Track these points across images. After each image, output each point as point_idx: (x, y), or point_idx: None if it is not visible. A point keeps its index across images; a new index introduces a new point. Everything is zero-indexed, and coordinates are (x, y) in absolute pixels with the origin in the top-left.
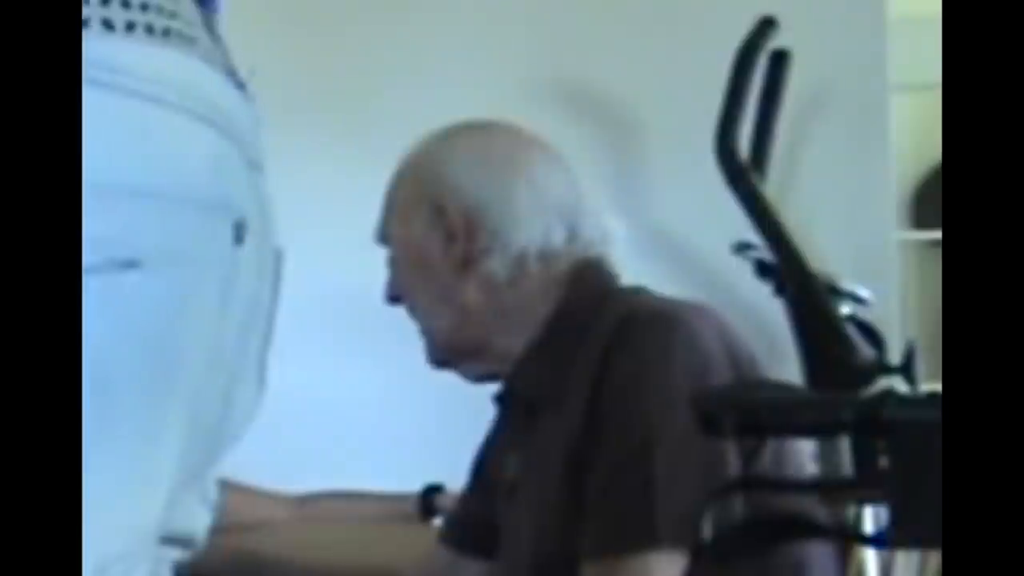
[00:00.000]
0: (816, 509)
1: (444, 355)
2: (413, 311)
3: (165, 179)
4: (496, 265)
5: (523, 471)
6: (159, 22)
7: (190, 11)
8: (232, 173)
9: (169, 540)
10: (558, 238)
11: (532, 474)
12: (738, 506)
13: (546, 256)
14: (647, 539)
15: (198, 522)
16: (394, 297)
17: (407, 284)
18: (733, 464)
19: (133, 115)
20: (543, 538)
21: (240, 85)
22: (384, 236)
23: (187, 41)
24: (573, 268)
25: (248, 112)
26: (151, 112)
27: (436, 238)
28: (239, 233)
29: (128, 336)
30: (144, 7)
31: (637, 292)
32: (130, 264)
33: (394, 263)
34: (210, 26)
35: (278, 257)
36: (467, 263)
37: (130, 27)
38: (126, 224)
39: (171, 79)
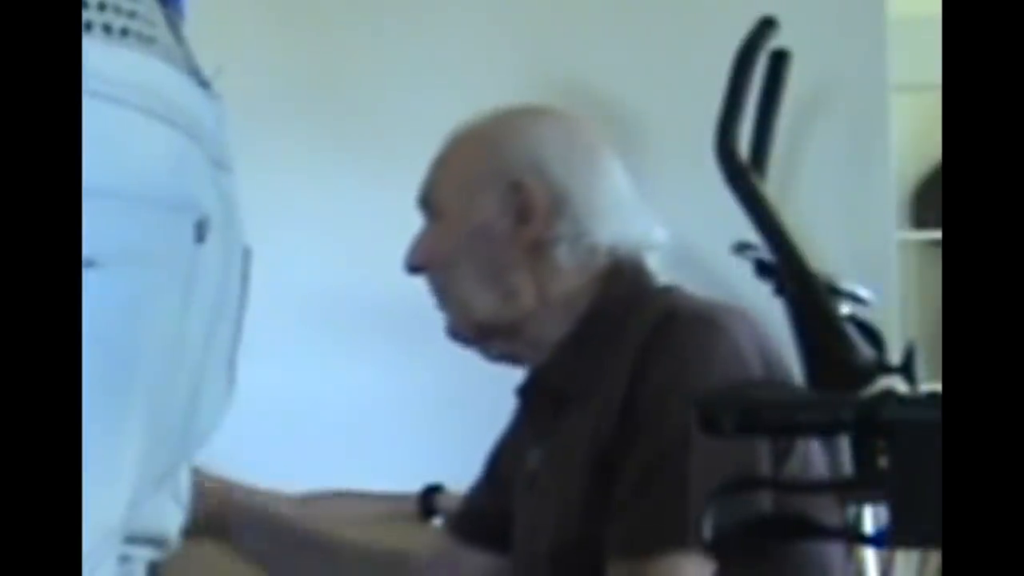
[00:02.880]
0: (820, 509)
1: (472, 332)
2: (443, 284)
3: (122, 178)
4: (565, 253)
5: (545, 464)
6: (117, 22)
7: (151, 10)
8: (193, 172)
9: (139, 539)
10: (633, 236)
11: (555, 467)
12: (764, 505)
13: (613, 252)
14: (678, 542)
15: (170, 521)
16: (416, 267)
17: (452, 255)
18: (765, 466)
19: (91, 115)
20: (563, 531)
21: (204, 84)
22: (427, 202)
23: (146, 41)
24: (611, 265)
25: (212, 111)
26: (109, 112)
27: (507, 216)
28: (201, 232)
29: (84, 335)
30: (101, 7)
31: (670, 290)
32: (86, 263)
33: (435, 232)
34: (173, 25)
35: (246, 256)
36: (537, 247)
37: (87, 27)
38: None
39: (129, 79)
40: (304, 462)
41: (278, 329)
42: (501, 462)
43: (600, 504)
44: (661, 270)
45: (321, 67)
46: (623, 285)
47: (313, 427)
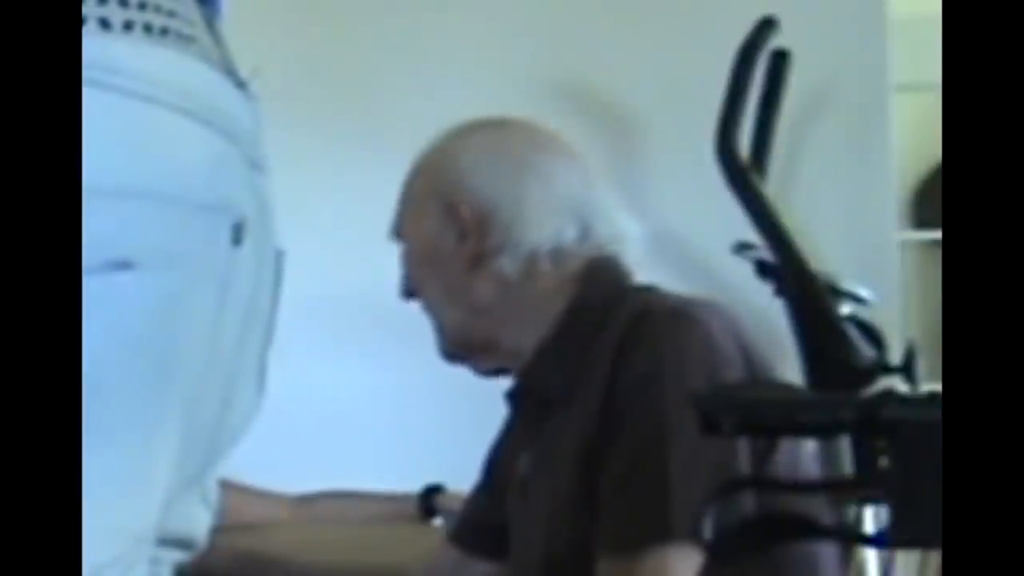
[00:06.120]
0: (818, 509)
1: (454, 350)
2: (426, 306)
3: (161, 180)
4: (507, 263)
5: (534, 468)
6: (157, 21)
7: (190, 10)
8: (231, 174)
9: (168, 542)
10: (570, 237)
11: (544, 471)
12: (748, 505)
13: (558, 255)
14: (663, 534)
15: (198, 524)
16: (409, 292)
17: (419, 279)
18: (744, 462)
19: (130, 115)
20: (555, 535)
21: (241, 85)
22: (398, 231)
23: (185, 40)
24: (586, 266)
25: (249, 112)
26: (148, 112)
27: (448, 235)
28: (237, 234)
29: (121, 337)
30: (142, 6)
31: (650, 290)
32: (124, 265)
33: (407, 258)
34: (211, 25)
35: (279, 258)
36: (478, 260)
37: (128, 26)
38: (120, 225)
39: (169, 79)
40: (304, 462)
41: (279, 329)
42: (496, 469)
43: (588, 504)
44: (660, 269)
45: (336, 69)
46: (599, 286)
47: (314, 427)
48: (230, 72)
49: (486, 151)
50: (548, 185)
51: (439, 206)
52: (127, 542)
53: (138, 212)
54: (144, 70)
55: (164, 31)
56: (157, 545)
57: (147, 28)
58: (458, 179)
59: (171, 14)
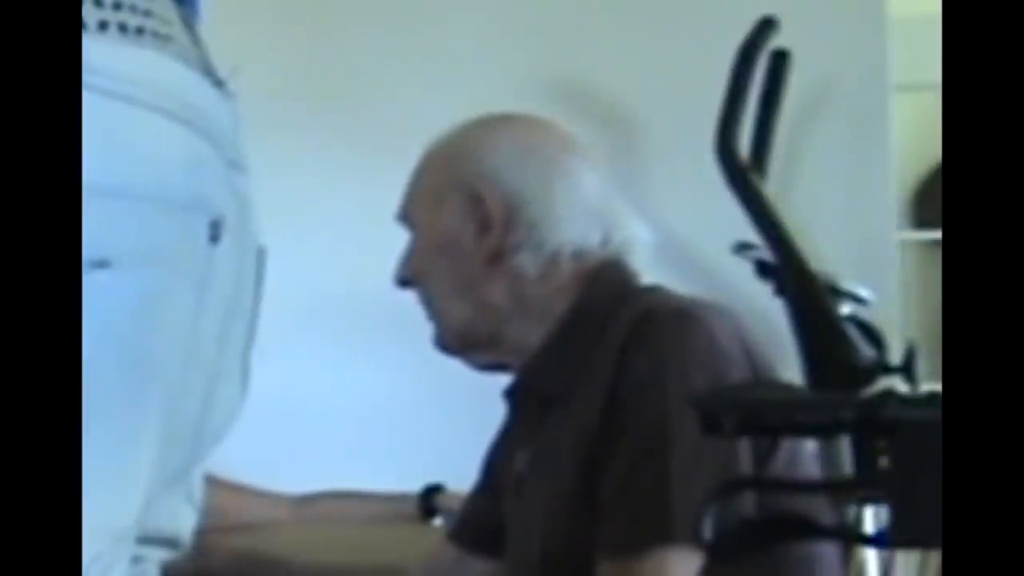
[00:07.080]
0: (818, 509)
1: (454, 343)
2: (426, 296)
3: (138, 179)
4: (527, 260)
5: (532, 467)
6: (132, 20)
7: (166, 9)
8: (208, 172)
9: (151, 540)
10: (593, 240)
11: (542, 470)
12: (748, 505)
13: (579, 257)
14: (664, 537)
15: (183, 522)
16: (404, 281)
17: (425, 269)
18: (746, 463)
19: (106, 115)
20: (552, 534)
21: (219, 84)
22: (405, 216)
23: (162, 40)
24: (595, 267)
25: (227, 111)
26: (125, 112)
27: (469, 227)
28: (215, 232)
29: (99, 336)
30: (116, 6)
31: (654, 291)
32: (101, 264)
33: (413, 246)
34: (188, 24)
35: (261, 256)
36: (498, 255)
37: (103, 26)
38: (97, 224)
39: (145, 78)
40: (304, 462)
41: (278, 328)
42: (494, 469)
43: (587, 505)
44: (660, 270)
45: (330, 68)
46: (604, 286)
47: (313, 427)
48: (208, 71)
49: (515, 146)
50: (576, 186)
51: (462, 197)
52: (106, 540)
53: (116, 211)
54: (120, 70)
55: (140, 30)
56: (140, 543)
57: (122, 28)
58: (486, 172)
59: (147, 13)
